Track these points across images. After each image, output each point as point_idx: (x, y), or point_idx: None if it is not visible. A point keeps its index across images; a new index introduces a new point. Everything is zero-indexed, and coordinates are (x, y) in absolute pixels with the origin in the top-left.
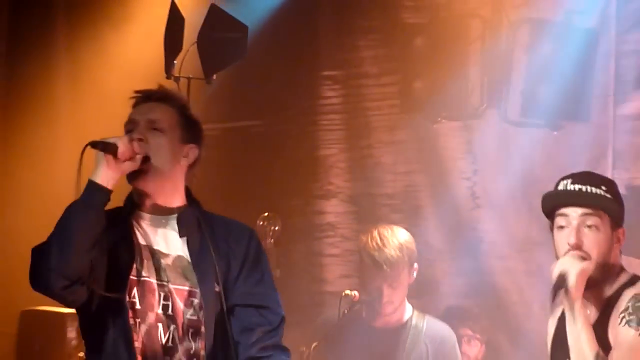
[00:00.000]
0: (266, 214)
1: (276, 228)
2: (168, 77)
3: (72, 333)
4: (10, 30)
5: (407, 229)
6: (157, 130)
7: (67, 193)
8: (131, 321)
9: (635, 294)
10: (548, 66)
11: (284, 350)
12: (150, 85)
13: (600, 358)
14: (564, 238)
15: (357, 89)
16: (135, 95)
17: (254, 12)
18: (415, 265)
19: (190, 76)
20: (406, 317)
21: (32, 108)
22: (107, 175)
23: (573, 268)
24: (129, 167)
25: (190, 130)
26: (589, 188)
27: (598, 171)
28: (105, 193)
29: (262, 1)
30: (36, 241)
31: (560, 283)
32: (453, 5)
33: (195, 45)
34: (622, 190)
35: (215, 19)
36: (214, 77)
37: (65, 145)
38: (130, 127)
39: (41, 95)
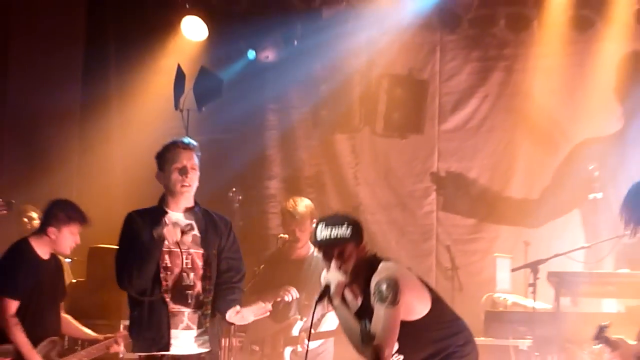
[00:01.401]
0: (234, 189)
1: (240, 197)
2: (176, 108)
3: None
4: (85, 62)
5: (315, 198)
6: (196, 170)
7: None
8: (162, 272)
9: (376, 282)
10: None
11: (242, 289)
12: (170, 108)
13: (364, 334)
14: (328, 263)
15: (288, 116)
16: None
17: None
18: (315, 220)
19: (189, 108)
20: (310, 251)
21: (104, 115)
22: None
23: (333, 281)
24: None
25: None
26: (332, 231)
27: (428, 164)
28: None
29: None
30: (106, 194)
31: (326, 291)
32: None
33: (192, 90)
34: (442, 174)
35: (204, 74)
36: (203, 108)
37: (120, 138)
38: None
39: (107, 107)
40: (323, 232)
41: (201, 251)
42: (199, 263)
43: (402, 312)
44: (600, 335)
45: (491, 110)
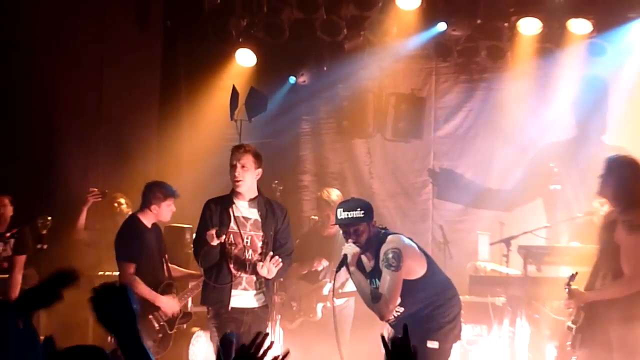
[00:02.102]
0: (276, 181)
1: (281, 188)
2: (232, 119)
3: (189, 241)
4: (162, 83)
5: (339, 188)
6: (245, 168)
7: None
8: (227, 247)
9: (384, 251)
10: None
11: (290, 261)
12: (227, 119)
13: (373, 293)
14: (345, 249)
15: (318, 125)
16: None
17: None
18: None
19: (242, 119)
20: (337, 229)
21: (176, 123)
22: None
23: (350, 252)
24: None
25: (259, 161)
26: (349, 214)
27: (425, 164)
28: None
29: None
30: (177, 184)
31: (344, 260)
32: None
33: (244, 104)
34: (437, 170)
35: (253, 93)
36: (253, 119)
37: (188, 141)
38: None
39: (178, 117)
40: (342, 215)
41: (260, 233)
42: (258, 243)
43: (403, 274)
44: (569, 282)
45: (475, 121)
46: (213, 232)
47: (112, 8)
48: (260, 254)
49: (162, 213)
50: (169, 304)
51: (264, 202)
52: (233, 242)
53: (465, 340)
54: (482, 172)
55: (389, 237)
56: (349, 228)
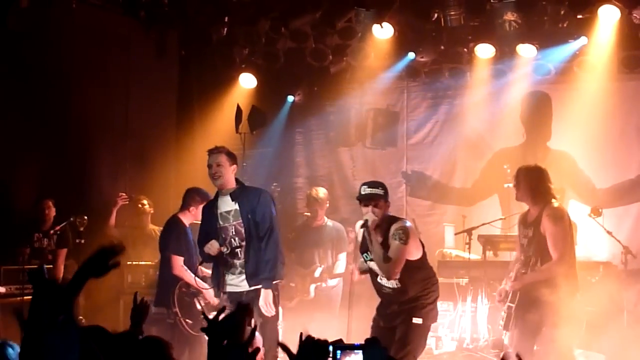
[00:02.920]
0: (275, 183)
1: (278, 189)
2: (237, 132)
3: None
4: (178, 101)
5: (327, 189)
6: (221, 165)
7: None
8: (220, 240)
9: (396, 227)
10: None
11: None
12: (232, 131)
13: (384, 255)
14: (366, 215)
15: (309, 136)
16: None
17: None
18: (328, 202)
19: (245, 132)
20: (324, 222)
21: (190, 135)
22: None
23: (370, 218)
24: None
25: (232, 159)
26: (372, 190)
27: (399, 167)
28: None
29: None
30: (197, 181)
31: (365, 223)
32: (348, 101)
33: (247, 119)
34: (409, 172)
35: (254, 110)
36: (254, 132)
37: (201, 150)
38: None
39: (192, 130)
40: (366, 190)
41: (239, 221)
42: (241, 229)
43: (407, 251)
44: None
45: (440, 131)
46: (214, 246)
47: (135, 40)
48: (246, 238)
49: (198, 214)
50: (210, 294)
51: (239, 191)
52: (223, 235)
53: None
54: (447, 173)
55: (400, 220)
56: (370, 202)
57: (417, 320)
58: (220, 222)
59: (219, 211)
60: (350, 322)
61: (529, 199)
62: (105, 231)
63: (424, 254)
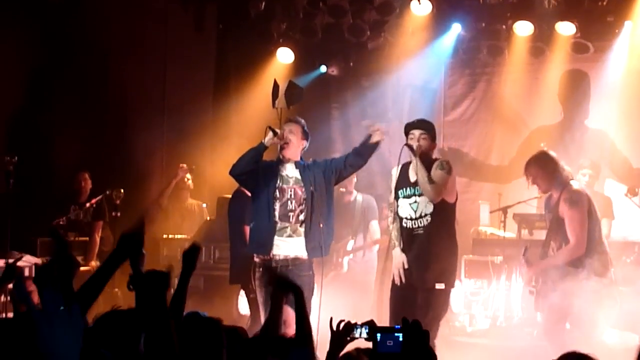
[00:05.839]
0: (311, 159)
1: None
2: (273, 107)
3: None
4: (215, 76)
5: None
6: (292, 133)
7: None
8: (273, 200)
9: (440, 160)
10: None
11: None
12: (269, 106)
13: (429, 178)
14: (412, 141)
15: (345, 111)
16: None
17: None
18: (355, 177)
19: (282, 107)
20: (353, 197)
21: (226, 110)
22: (269, 141)
23: (416, 145)
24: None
25: (305, 135)
26: (425, 124)
27: (437, 143)
28: (264, 147)
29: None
30: (226, 160)
31: (410, 148)
32: (385, 77)
33: (284, 94)
34: (446, 149)
35: (291, 85)
36: (291, 107)
37: (236, 125)
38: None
39: (228, 105)
40: (418, 122)
41: (300, 185)
42: (300, 194)
43: (450, 182)
44: (524, 254)
45: (477, 108)
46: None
47: (173, 14)
48: (300, 203)
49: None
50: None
51: (303, 164)
52: (278, 195)
53: (469, 292)
54: (483, 151)
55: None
56: (419, 128)
57: (439, 286)
58: (280, 183)
59: (280, 172)
60: (380, 301)
61: (551, 186)
62: (157, 199)
63: (456, 201)
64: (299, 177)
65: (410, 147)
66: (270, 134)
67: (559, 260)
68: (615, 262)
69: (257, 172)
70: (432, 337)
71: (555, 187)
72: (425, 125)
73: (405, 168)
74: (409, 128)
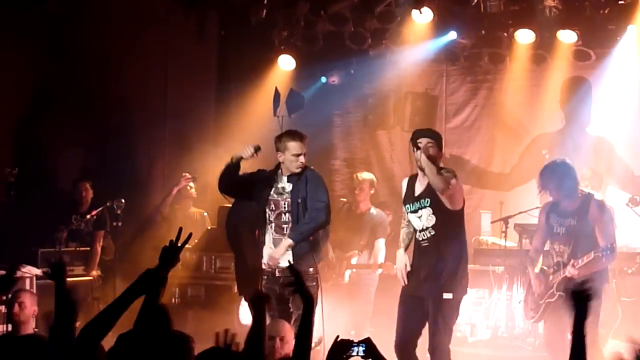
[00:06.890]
0: (312, 166)
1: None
2: (274, 115)
3: None
4: (217, 84)
5: (365, 171)
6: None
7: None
8: (268, 211)
9: (446, 168)
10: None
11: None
12: (270, 114)
13: (440, 173)
14: (421, 144)
15: (347, 119)
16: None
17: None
18: (373, 188)
19: (283, 115)
20: (369, 208)
21: (228, 118)
22: (247, 155)
23: (425, 151)
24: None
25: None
26: (432, 132)
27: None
28: (239, 158)
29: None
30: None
31: (417, 146)
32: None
33: (285, 102)
34: (447, 156)
35: (292, 93)
36: (291, 115)
37: (238, 133)
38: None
39: (229, 112)
40: (426, 130)
41: (291, 199)
42: (294, 207)
43: (456, 186)
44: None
45: (479, 115)
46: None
47: (174, 22)
48: (296, 215)
49: None
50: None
51: (297, 175)
52: (273, 207)
53: (470, 302)
54: (485, 158)
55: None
56: (426, 136)
57: (447, 296)
58: (274, 195)
59: (276, 184)
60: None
61: (567, 195)
62: (160, 208)
63: (464, 207)
64: (291, 189)
65: (417, 145)
66: (252, 149)
67: (596, 266)
68: (617, 272)
69: (250, 183)
70: (446, 342)
71: (576, 194)
72: (433, 135)
73: (412, 182)
74: (417, 136)
